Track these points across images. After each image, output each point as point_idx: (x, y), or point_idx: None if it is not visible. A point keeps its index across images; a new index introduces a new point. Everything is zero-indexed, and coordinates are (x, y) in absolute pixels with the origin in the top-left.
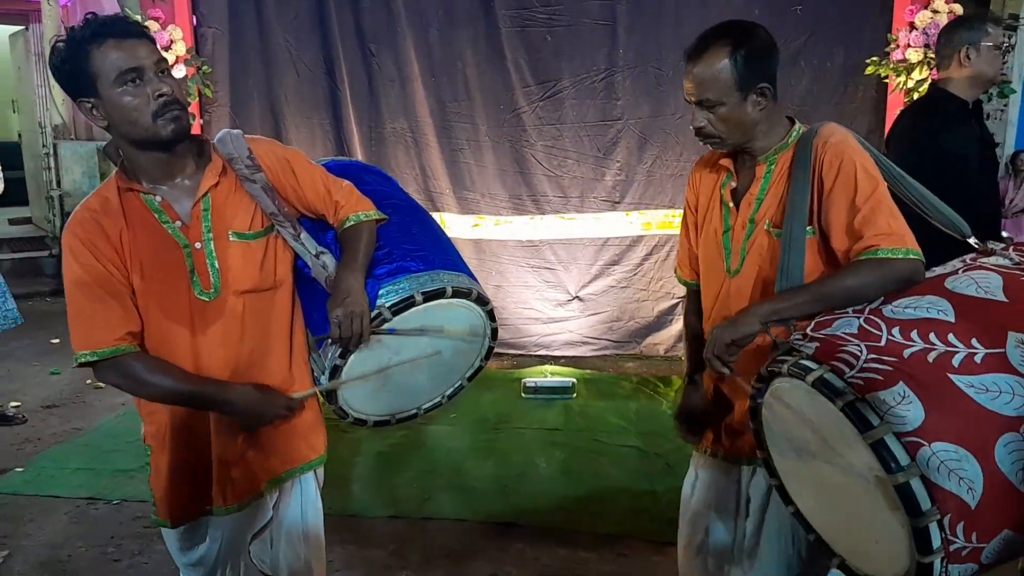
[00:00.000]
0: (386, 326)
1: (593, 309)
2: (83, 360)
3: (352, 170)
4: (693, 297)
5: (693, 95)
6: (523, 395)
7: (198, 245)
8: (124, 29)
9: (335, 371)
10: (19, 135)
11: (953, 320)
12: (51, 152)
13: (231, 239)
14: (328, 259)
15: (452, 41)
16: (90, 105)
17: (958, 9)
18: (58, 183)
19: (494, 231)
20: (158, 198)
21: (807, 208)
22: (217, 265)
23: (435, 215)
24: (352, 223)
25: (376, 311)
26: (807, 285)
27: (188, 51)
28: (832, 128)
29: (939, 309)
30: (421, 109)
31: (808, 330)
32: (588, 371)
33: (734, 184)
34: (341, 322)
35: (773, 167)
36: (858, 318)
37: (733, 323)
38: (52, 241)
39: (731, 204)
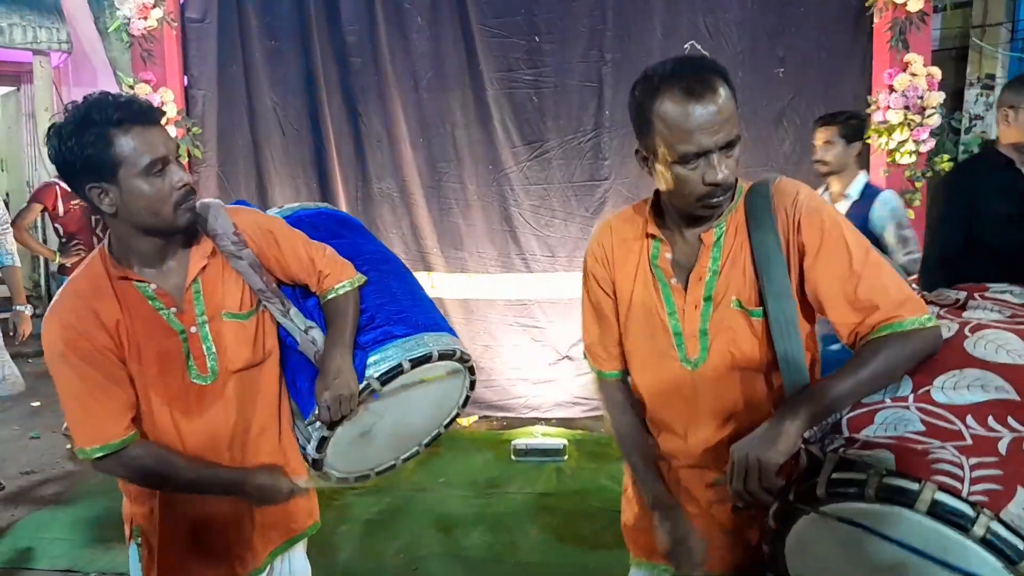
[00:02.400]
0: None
1: (583, 368)
2: (96, 456)
3: (323, 223)
4: (621, 392)
5: (720, 136)
6: (513, 458)
7: (193, 329)
8: (149, 115)
9: (323, 443)
10: (7, 195)
11: (1018, 397)
12: None
13: (224, 319)
14: (317, 334)
15: (439, 101)
16: (100, 191)
17: (936, 72)
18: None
19: (483, 290)
20: (152, 286)
21: (789, 282)
22: (214, 348)
23: (424, 274)
24: (336, 294)
25: (365, 383)
26: (837, 376)
27: (179, 113)
28: (792, 184)
29: (995, 386)
30: (408, 169)
31: (849, 432)
32: (579, 432)
33: (670, 255)
34: (331, 406)
35: (724, 232)
36: (905, 409)
37: (772, 444)
38: (37, 301)
39: (672, 281)
